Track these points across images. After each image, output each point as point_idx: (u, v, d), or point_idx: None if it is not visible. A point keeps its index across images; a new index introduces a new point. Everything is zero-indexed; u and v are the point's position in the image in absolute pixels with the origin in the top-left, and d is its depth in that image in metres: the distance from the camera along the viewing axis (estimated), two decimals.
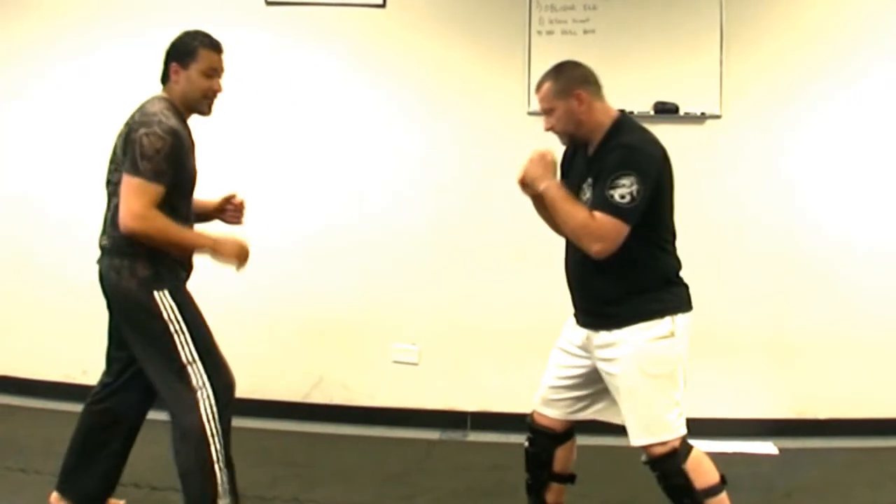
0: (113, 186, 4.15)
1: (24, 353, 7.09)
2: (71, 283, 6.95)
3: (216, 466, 4.17)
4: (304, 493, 5.26)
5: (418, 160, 6.69)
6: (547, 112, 4.08)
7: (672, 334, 3.90)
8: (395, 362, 6.73)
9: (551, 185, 3.98)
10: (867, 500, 5.38)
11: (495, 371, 6.63)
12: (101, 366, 7.01)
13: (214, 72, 4.31)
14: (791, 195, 6.49)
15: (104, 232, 4.28)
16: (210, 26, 6.69)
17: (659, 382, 3.89)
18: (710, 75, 6.39)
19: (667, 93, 6.38)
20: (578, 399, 4.23)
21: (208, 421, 4.15)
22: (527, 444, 4.39)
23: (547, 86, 4.05)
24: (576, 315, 4.22)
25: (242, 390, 6.82)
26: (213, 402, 4.18)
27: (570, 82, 4.02)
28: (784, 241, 6.49)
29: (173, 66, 4.27)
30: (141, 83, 6.82)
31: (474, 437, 6.59)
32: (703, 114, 6.42)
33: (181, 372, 4.16)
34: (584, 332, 4.10)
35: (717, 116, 6.43)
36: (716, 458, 4.03)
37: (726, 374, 6.47)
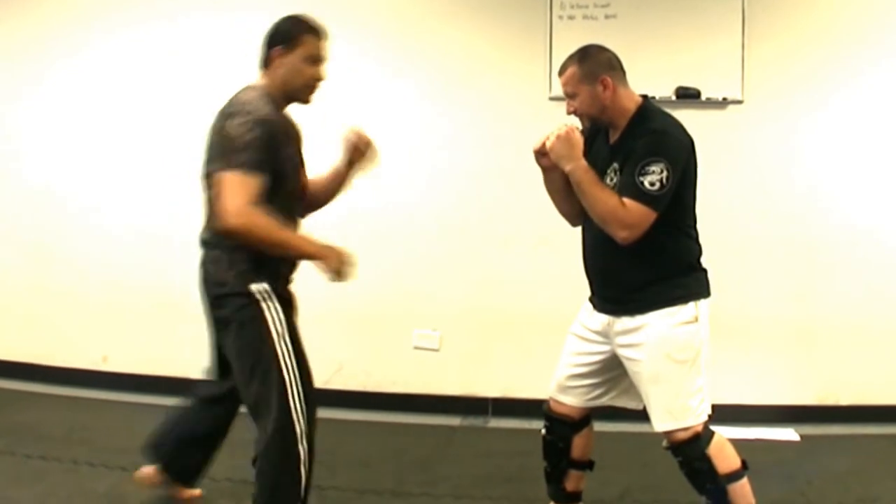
0: (209, 180, 3.95)
1: (45, 341, 7.13)
2: (92, 271, 6.98)
3: (301, 468, 4.01)
4: (325, 480, 5.24)
5: (439, 146, 6.68)
6: (570, 96, 4.04)
7: (696, 319, 3.89)
8: (416, 348, 6.74)
9: (579, 165, 3.93)
10: (889, 487, 5.36)
11: (517, 357, 6.63)
12: (120, 353, 7.07)
13: (319, 59, 4.12)
14: (814, 180, 6.48)
15: (205, 226, 4.08)
16: (226, 13, 6.75)
17: (684, 368, 3.88)
18: (731, 60, 6.37)
19: (689, 78, 6.37)
20: (595, 386, 4.21)
21: (298, 421, 3.97)
22: (544, 431, 4.37)
23: (571, 70, 4.01)
24: (593, 300, 4.21)
25: None
26: (303, 405, 3.97)
27: (595, 67, 3.98)
28: (806, 226, 6.48)
29: (276, 50, 4.07)
30: (163, 72, 6.91)
31: (496, 423, 6.60)
32: (724, 99, 6.40)
33: (277, 377, 3.96)
34: (604, 317, 4.08)
35: (739, 101, 6.41)
36: (737, 444, 4.02)
37: (748, 360, 6.46)
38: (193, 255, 6.51)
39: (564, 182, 4.05)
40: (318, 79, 4.13)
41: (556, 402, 4.31)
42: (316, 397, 4.06)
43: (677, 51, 6.38)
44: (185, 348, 6.80)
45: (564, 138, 3.98)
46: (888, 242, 6.45)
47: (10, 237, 7.18)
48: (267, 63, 4.11)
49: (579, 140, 4.00)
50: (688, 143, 3.93)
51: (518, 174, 6.38)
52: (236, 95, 4.00)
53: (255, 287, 3.92)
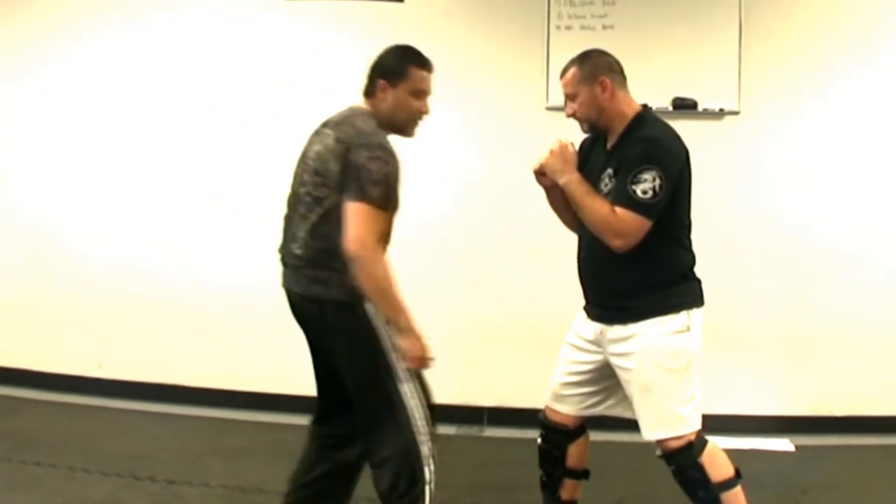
0: (313, 199, 3.89)
1: (40, 347, 7.13)
2: (89, 277, 6.98)
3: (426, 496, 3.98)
4: None
5: (435, 154, 6.68)
6: (570, 97, 4.09)
7: (688, 329, 3.90)
8: None
9: (572, 178, 3.98)
10: (884, 497, 5.38)
11: (512, 366, 6.63)
12: (116, 359, 7.07)
13: (424, 93, 4.11)
14: (810, 191, 6.48)
15: (295, 243, 3.99)
16: (230, 20, 6.77)
17: (675, 377, 3.89)
18: (728, 71, 6.39)
19: (685, 88, 6.38)
20: (590, 395, 4.22)
21: (418, 443, 3.96)
22: (539, 440, 4.38)
23: (572, 71, 4.07)
24: (587, 309, 4.22)
25: (261, 384, 6.89)
26: (422, 425, 3.98)
27: (595, 69, 4.03)
28: (802, 237, 6.49)
29: (381, 83, 4.04)
30: (167, 74, 6.91)
31: (491, 432, 6.61)
32: (721, 109, 6.41)
33: (394, 394, 3.95)
34: (597, 326, 4.09)
35: (736, 112, 6.42)
36: (732, 454, 4.03)
37: (743, 370, 6.46)
38: (192, 260, 6.53)
39: (565, 197, 4.08)
40: (423, 112, 4.13)
41: (552, 410, 4.32)
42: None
43: (674, 61, 6.40)
44: (181, 355, 6.82)
45: (558, 153, 4.06)
46: (883, 252, 6.46)
47: (8, 242, 7.18)
48: (371, 93, 4.09)
49: (572, 154, 4.07)
50: (682, 152, 3.94)
51: (514, 184, 6.38)
52: (353, 120, 4.00)
53: (367, 305, 3.88)
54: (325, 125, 4.09)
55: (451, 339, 6.63)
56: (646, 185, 3.77)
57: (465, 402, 6.71)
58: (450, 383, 6.57)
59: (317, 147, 4.00)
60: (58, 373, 7.04)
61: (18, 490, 5.13)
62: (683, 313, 3.91)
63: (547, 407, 4.34)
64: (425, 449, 3.95)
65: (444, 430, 6.43)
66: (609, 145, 4.10)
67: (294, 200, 4.05)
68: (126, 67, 6.93)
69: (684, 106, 6.34)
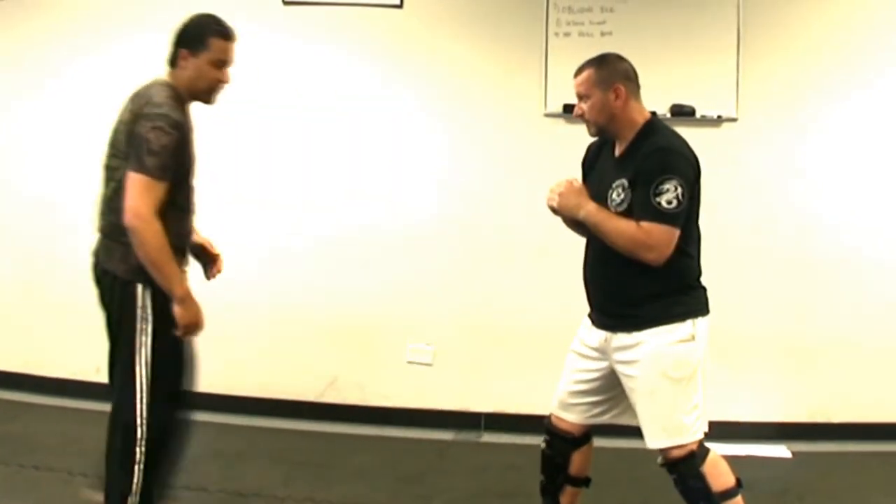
0: (111, 171, 4.03)
1: (37, 351, 7.11)
2: (85, 280, 6.92)
3: (136, 467, 4.07)
4: (318, 493, 5.27)
5: (433, 161, 6.70)
6: (581, 97, 4.06)
7: (693, 338, 3.90)
8: (410, 363, 6.74)
9: (590, 210, 3.97)
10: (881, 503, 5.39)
11: (510, 372, 6.63)
12: None
13: (224, 63, 4.17)
14: (808, 198, 6.49)
15: (101, 215, 4.15)
16: (232, 24, 6.76)
17: (680, 386, 3.89)
18: (726, 78, 6.40)
19: (683, 95, 6.39)
20: (596, 404, 4.21)
21: (140, 426, 4.08)
22: (543, 446, 4.36)
23: (588, 72, 4.03)
24: (592, 316, 4.21)
25: (257, 389, 6.89)
26: (146, 422, 4.10)
27: (612, 74, 4.01)
28: (801, 245, 6.50)
29: (182, 52, 4.13)
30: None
31: (488, 437, 6.60)
32: (719, 116, 6.42)
33: (131, 370, 4.08)
34: (602, 333, 4.08)
35: (734, 119, 6.43)
36: (729, 460, 4.03)
37: (740, 376, 6.46)
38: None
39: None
40: (222, 82, 4.20)
41: (558, 417, 4.30)
42: (167, 423, 4.28)
43: (672, 68, 6.40)
44: None
45: (566, 193, 4.05)
46: (882, 260, 6.46)
47: (4, 247, 7.17)
48: (174, 62, 4.18)
49: (581, 187, 4.08)
50: (694, 161, 3.95)
51: (513, 189, 6.43)
52: (147, 91, 4.09)
53: (139, 286, 4.01)
54: (129, 98, 4.14)
55: (448, 344, 6.67)
56: (669, 195, 3.76)
57: (462, 408, 6.72)
58: (447, 389, 6.62)
59: (116, 119, 4.10)
60: (56, 377, 7.02)
61: (16, 494, 5.13)
62: (689, 322, 3.91)
63: (553, 414, 4.32)
64: (140, 432, 4.09)
65: (442, 435, 6.51)
66: (618, 152, 4.08)
67: (103, 173, 4.14)
68: (122, 76, 6.90)
69: (682, 113, 6.35)
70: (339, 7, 6.70)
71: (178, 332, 4.03)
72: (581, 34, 6.43)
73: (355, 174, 6.73)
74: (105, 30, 6.97)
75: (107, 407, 6.76)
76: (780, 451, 6.30)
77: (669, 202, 3.76)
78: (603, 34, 6.41)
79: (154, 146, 3.84)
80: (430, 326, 6.75)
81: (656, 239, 3.80)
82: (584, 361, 4.18)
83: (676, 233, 3.82)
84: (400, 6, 6.64)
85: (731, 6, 6.37)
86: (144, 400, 4.07)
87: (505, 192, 6.55)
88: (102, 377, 6.95)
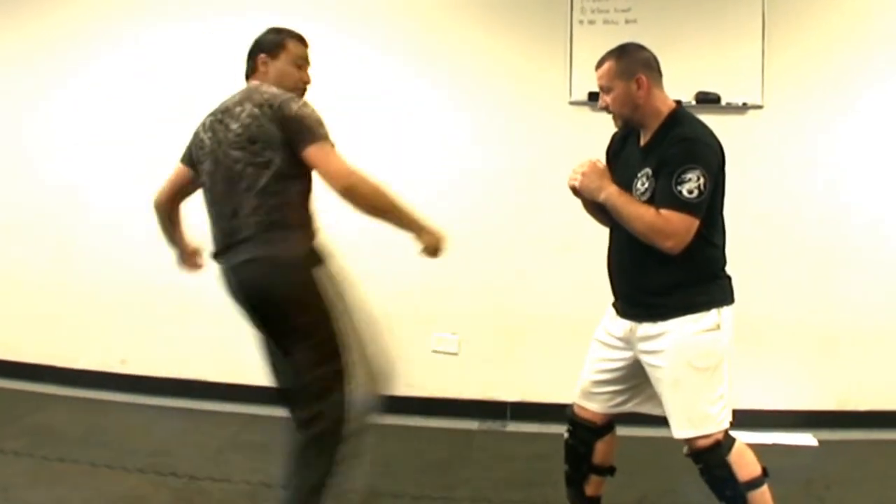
0: (261, 165, 3.96)
1: (63, 342, 7.15)
2: (112, 274, 6.99)
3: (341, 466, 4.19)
4: (343, 483, 5.28)
5: (459, 149, 6.69)
6: (604, 90, 4.04)
7: (718, 327, 3.88)
8: (435, 352, 6.74)
9: (611, 192, 3.95)
10: None
11: (535, 361, 6.64)
12: (140, 355, 7.08)
13: (304, 61, 4.29)
14: (833, 185, 6.46)
15: (237, 221, 4.04)
16: (254, 16, 6.74)
17: (705, 375, 3.88)
18: (751, 65, 6.37)
19: (708, 83, 6.36)
20: (619, 392, 4.21)
21: (347, 420, 4.12)
22: (566, 435, 4.36)
23: (609, 64, 4.02)
24: (617, 306, 4.20)
25: None
26: (352, 413, 4.12)
27: (633, 64, 3.99)
28: (827, 232, 6.47)
29: (261, 57, 4.20)
30: (185, 73, 6.91)
31: (514, 427, 6.60)
32: (744, 104, 6.39)
33: (329, 358, 4.07)
34: (626, 323, 4.07)
35: (759, 106, 6.40)
36: (755, 449, 4.02)
37: (766, 364, 6.45)
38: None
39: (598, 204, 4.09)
40: (305, 81, 4.28)
41: (581, 407, 4.30)
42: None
43: (697, 56, 6.37)
44: (204, 351, 6.83)
45: (589, 173, 4.04)
46: None
47: (31, 239, 7.19)
48: (252, 71, 4.23)
49: (604, 168, 4.07)
50: (719, 150, 3.93)
51: (538, 178, 6.41)
52: (254, 91, 4.08)
53: (314, 273, 4.06)
54: (224, 111, 4.14)
55: (473, 333, 6.66)
56: (691, 184, 3.75)
57: (487, 397, 6.71)
58: (472, 378, 6.61)
59: (234, 126, 4.04)
60: (81, 369, 7.06)
61: (41, 486, 5.14)
62: (714, 311, 3.90)
63: (575, 404, 4.32)
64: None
65: (467, 424, 6.51)
66: (643, 142, 4.07)
67: (228, 186, 4.07)
68: (149, 68, 6.93)
69: (707, 100, 6.32)
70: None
71: (428, 255, 4.25)
72: (606, 22, 6.41)
73: (379, 164, 6.70)
74: (135, 23, 7.00)
75: (132, 398, 6.84)
76: (807, 439, 6.28)
77: (691, 191, 3.75)
78: (627, 22, 6.39)
79: (312, 119, 3.94)
80: (455, 316, 6.74)
81: (675, 226, 3.78)
82: (608, 351, 4.18)
83: (696, 222, 3.80)
84: None
85: None
86: (349, 386, 4.11)
87: (530, 181, 6.54)
88: (128, 369, 7.03)
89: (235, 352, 6.79)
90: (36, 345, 7.15)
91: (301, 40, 4.31)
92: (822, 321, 6.50)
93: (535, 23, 6.58)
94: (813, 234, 6.48)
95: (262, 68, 4.20)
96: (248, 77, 4.25)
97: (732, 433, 3.97)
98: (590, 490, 4.36)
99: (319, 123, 3.93)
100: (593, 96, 6.19)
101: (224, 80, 6.82)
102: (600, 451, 4.30)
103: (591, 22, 6.41)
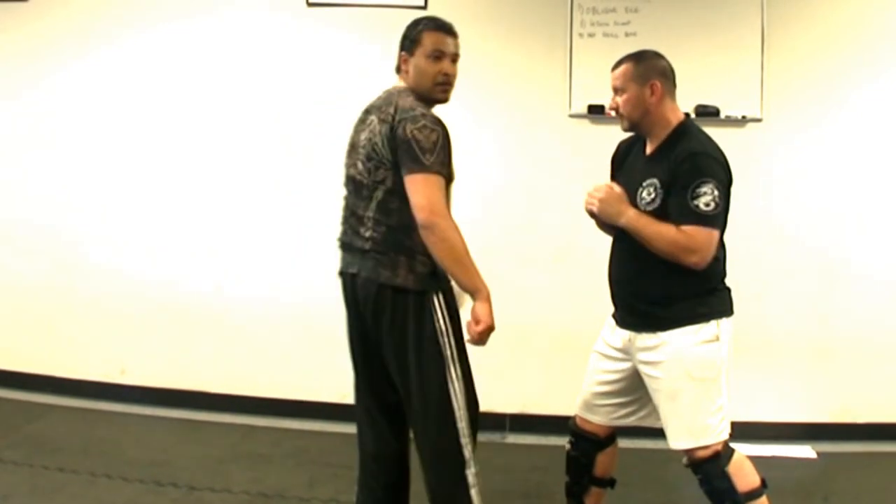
0: (374, 184, 3.95)
1: (62, 352, 7.13)
2: (111, 283, 6.99)
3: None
4: (342, 495, 5.26)
5: (458, 160, 6.67)
6: (617, 91, 4.08)
7: (718, 338, 3.91)
8: None
9: (630, 216, 3.98)
10: None
11: (534, 373, 6.62)
12: (138, 365, 7.06)
13: (442, 53, 4.10)
14: (833, 198, 6.46)
15: (364, 229, 4.03)
16: (251, 27, 6.76)
17: (704, 386, 3.89)
18: (751, 78, 6.38)
19: (708, 96, 6.37)
20: (621, 405, 4.23)
21: (469, 459, 4.11)
22: (568, 446, 4.39)
23: (626, 66, 4.06)
24: (616, 316, 4.22)
25: (280, 391, 6.88)
26: (468, 424, 4.08)
27: (649, 70, 4.04)
28: (825, 245, 6.47)
29: (402, 55, 4.13)
30: (191, 74, 6.91)
31: (513, 438, 6.59)
32: (744, 117, 6.40)
33: (444, 393, 4.03)
34: (626, 333, 4.10)
35: (758, 119, 6.41)
36: (754, 461, 4.04)
37: (765, 377, 6.44)
38: (215, 267, 6.53)
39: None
40: (445, 73, 4.13)
41: (583, 419, 4.33)
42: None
43: (697, 69, 6.37)
44: (204, 361, 6.83)
45: (606, 198, 4.05)
46: None
47: (28, 248, 7.17)
48: (399, 69, 4.18)
49: (620, 193, 4.06)
50: (727, 164, 3.97)
51: (537, 190, 6.41)
52: (389, 98, 4.06)
53: (433, 295, 4.01)
54: (367, 111, 4.13)
55: (471, 346, 6.64)
56: (707, 197, 3.79)
57: (487, 409, 6.67)
58: None
59: (365, 134, 4.04)
60: (80, 379, 7.03)
61: (40, 495, 5.15)
62: (713, 322, 3.92)
63: (578, 416, 4.35)
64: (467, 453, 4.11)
65: None
66: (649, 150, 4.10)
67: (354, 188, 4.09)
68: (151, 72, 6.93)
69: (707, 113, 6.33)
70: (363, 8, 6.69)
71: (475, 334, 3.97)
72: (605, 35, 6.42)
73: None
74: (126, 23, 6.96)
75: (130, 408, 6.84)
76: (805, 451, 6.28)
77: (707, 204, 3.78)
78: (627, 35, 6.40)
79: (425, 144, 3.82)
80: None
81: (699, 242, 3.82)
82: (608, 362, 4.20)
83: (717, 235, 3.86)
84: (424, 7, 6.62)
85: (755, 6, 6.35)
86: (466, 425, 4.09)
87: (529, 192, 6.53)
88: (126, 379, 7.02)
89: (235, 362, 6.82)
90: (35, 355, 7.13)
91: (440, 28, 4.16)
92: (820, 333, 6.50)
93: (535, 36, 6.57)
94: (811, 247, 6.47)
95: (403, 66, 4.14)
96: (397, 72, 4.20)
97: (731, 445, 3.99)
98: (590, 502, 4.39)
99: (430, 150, 3.82)
100: (593, 109, 6.22)
101: (221, 88, 6.88)
102: (601, 463, 4.32)
103: (591, 35, 6.41)
